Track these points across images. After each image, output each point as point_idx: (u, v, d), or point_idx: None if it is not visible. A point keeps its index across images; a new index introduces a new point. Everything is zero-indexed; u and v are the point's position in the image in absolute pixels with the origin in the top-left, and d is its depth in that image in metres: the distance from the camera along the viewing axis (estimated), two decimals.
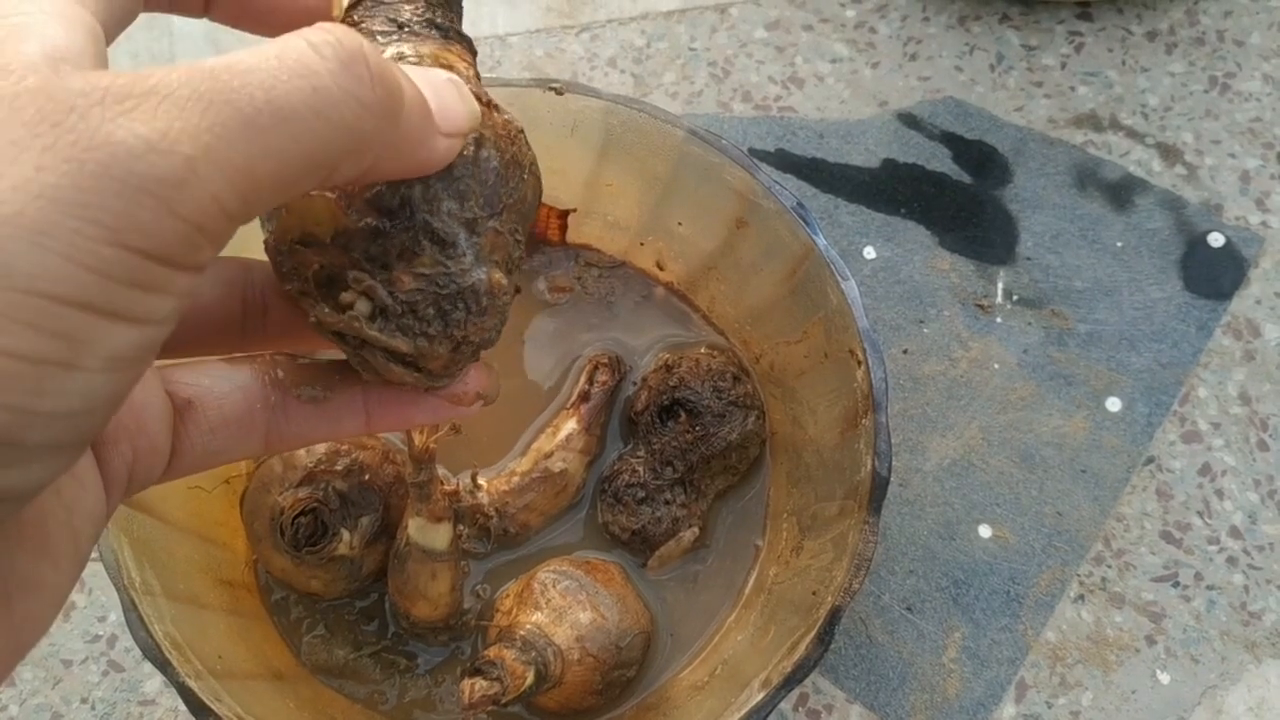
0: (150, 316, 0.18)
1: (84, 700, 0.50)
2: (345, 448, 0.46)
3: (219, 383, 0.25)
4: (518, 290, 0.27)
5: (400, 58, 0.25)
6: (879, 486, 0.42)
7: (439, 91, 0.23)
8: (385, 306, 0.24)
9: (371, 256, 0.24)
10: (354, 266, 0.24)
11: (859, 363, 0.44)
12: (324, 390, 0.26)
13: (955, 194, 0.60)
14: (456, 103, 0.23)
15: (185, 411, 0.24)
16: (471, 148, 0.24)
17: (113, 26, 0.22)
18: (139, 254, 0.18)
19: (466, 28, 0.28)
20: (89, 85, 0.18)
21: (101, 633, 0.51)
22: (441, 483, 0.45)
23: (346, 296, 0.24)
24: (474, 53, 0.28)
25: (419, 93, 0.22)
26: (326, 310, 0.24)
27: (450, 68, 0.25)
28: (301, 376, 0.26)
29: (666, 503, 0.48)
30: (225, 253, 0.28)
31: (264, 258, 0.26)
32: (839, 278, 0.45)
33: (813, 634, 0.40)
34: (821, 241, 0.46)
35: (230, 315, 0.27)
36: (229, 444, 0.25)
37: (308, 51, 0.19)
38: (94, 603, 0.52)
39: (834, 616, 0.40)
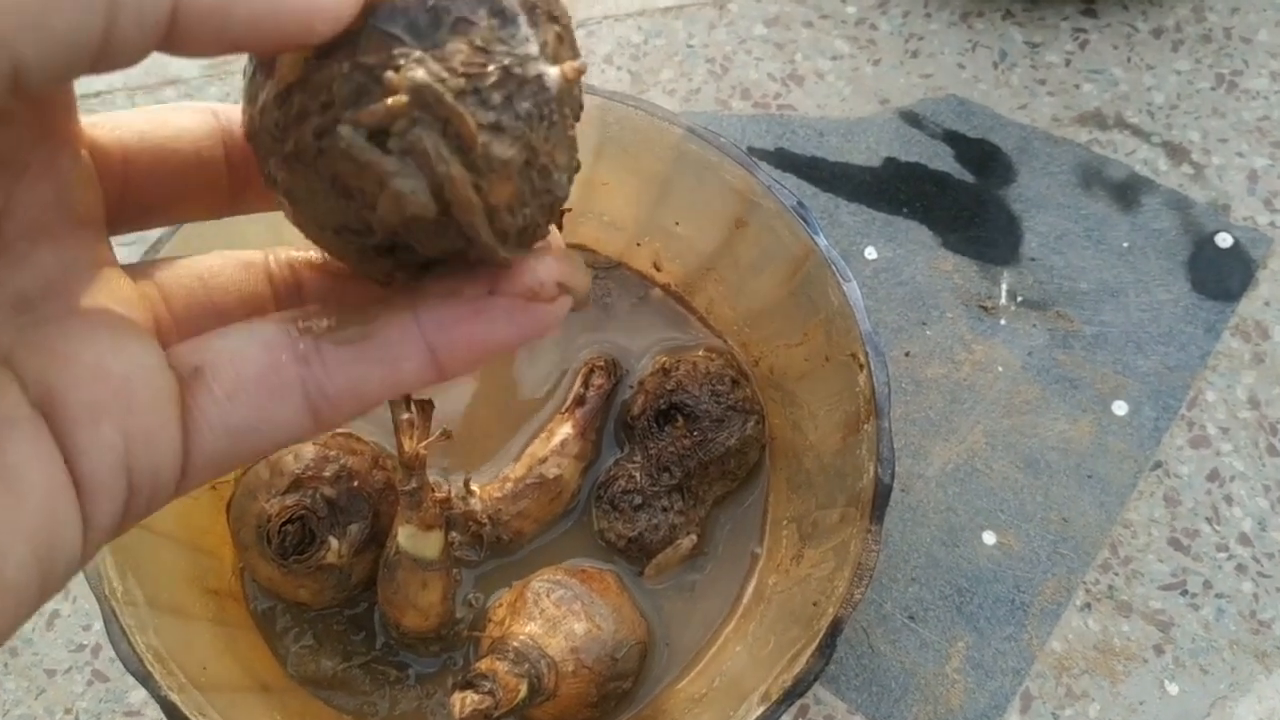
0: None
1: (68, 711, 0.49)
2: (333, 453, 0.45)
3: (231, 342, 0.20)
4: (578, 166, 0.22)
5: None
6: (882, 494, 0.41)
7: None
8: (440, 80, 0.19)
9: (420, 30, 0.20)
10: (396, 48, 0.19)
11: (861, 366, 0.43)
12: (366, 324, 0.21)
13: (958, 193, 0.59)
14: None
15: (194, 380, 0.20)
16: None
17: None
18: None
19: None
20: None
21: (86, 642, 0.50)
22: (433, 490, 0.44)
23: (400, 71, 0.19)
24: None
25: None
26: (361, 111, 0.19)
27: None
28: (335, 315, 0.21)
29: (664, 509, 0.47)
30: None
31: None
32: (840, 279, 0.44)
33: (814, 646, 0.39)
34: (822, 242, 0.45)
35: (257, 298, 0.24)
36: (257, 414, 0.20)
37: None
38: (78, 611, 0.51)
39: (836, 628, 0.39)
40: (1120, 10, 0.62)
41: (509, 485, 0.48)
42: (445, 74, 0.20)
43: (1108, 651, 0.50)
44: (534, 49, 0.21)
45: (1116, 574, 0.51)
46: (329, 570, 0.44)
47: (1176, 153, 0.59)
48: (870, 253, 0.58)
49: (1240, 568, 0.51)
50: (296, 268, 0.24)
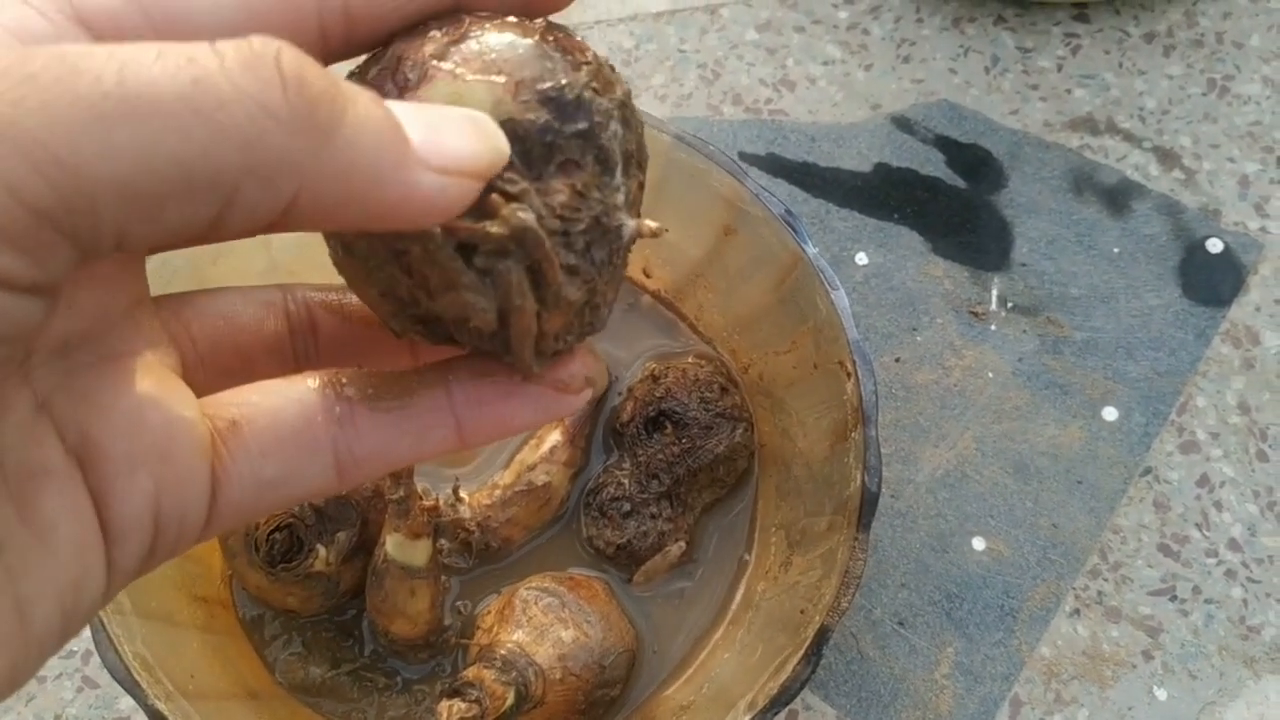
0: None
1: (57, 717, 0.49)
2: None
3: (271, 397, 0.21)
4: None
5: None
6: (869, 502, 0.41)
7: (438, 119, 0.19)
8: (539, 218, 0.20)
9: (530, 160, 0.20)
10: (507, 171, 0.20)
11: (848, 375, 0.43)
12: (401, 395, 0.21)
13: (949, 199, 0.59)
14: (461, 135, 0.19)
15: (229, 434, 0.20)
16: (617, 92, 0.21)
17: None
18: None
19: None
20: None
21: (75, 648, 0.50)
22: (420, 498, 0.44)
23: (508, 206, 0.20)
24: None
25: (383, 116, 0.18)
26: (459, 223, 0.20)
27: None
28: (373, 383, 0.21)
29: (652, 516, 0.47)
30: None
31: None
32: (828, 287, 0.44)
33: (800, 654, 0.39)
34: (810, 250, 0.45)
35: (276, 337, 0.24)
36: (287, 469, 0.20)
37: (200, 45, 0.16)
38: None
39: (822, 636, 0.39)
40: (1112, 15, 0.62)
41: (498, 492, 0.48)
42: (544, 213, 0.20)
43: (1097, 657, 0.50)
44: (621, 199, 0.22)
45: (1106, 580, 0.51)
46: (317, 578, 0.44)
47: (1168, 158, 0.59)
48: (861, 258, 0.58)
49: (1229, 573, 0.51)
50: (312, 308, 0.25)
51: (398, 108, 0.18)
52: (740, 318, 0.50)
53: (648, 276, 0.53)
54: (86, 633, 0.50)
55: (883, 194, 0.59)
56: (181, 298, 0.24)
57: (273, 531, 0.44)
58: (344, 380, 0.21)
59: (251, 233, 0.18)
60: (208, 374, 0.23)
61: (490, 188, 0.20)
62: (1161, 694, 0.49)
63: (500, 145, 0.20)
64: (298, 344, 0.24)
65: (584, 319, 0.22)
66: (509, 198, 0.20)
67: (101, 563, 0.19)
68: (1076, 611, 0.51)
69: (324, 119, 0.17)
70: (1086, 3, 0.62)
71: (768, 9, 0.64)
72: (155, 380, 0.20)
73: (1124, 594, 0.51)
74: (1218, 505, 0.52)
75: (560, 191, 0.21)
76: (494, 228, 0.20)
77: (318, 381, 0.21)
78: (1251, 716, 0.49)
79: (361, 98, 0.18)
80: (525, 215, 0.20)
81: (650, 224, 0.22)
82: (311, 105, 0.16)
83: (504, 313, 0.21)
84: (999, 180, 0.59)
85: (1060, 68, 0.61)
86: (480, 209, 0.20)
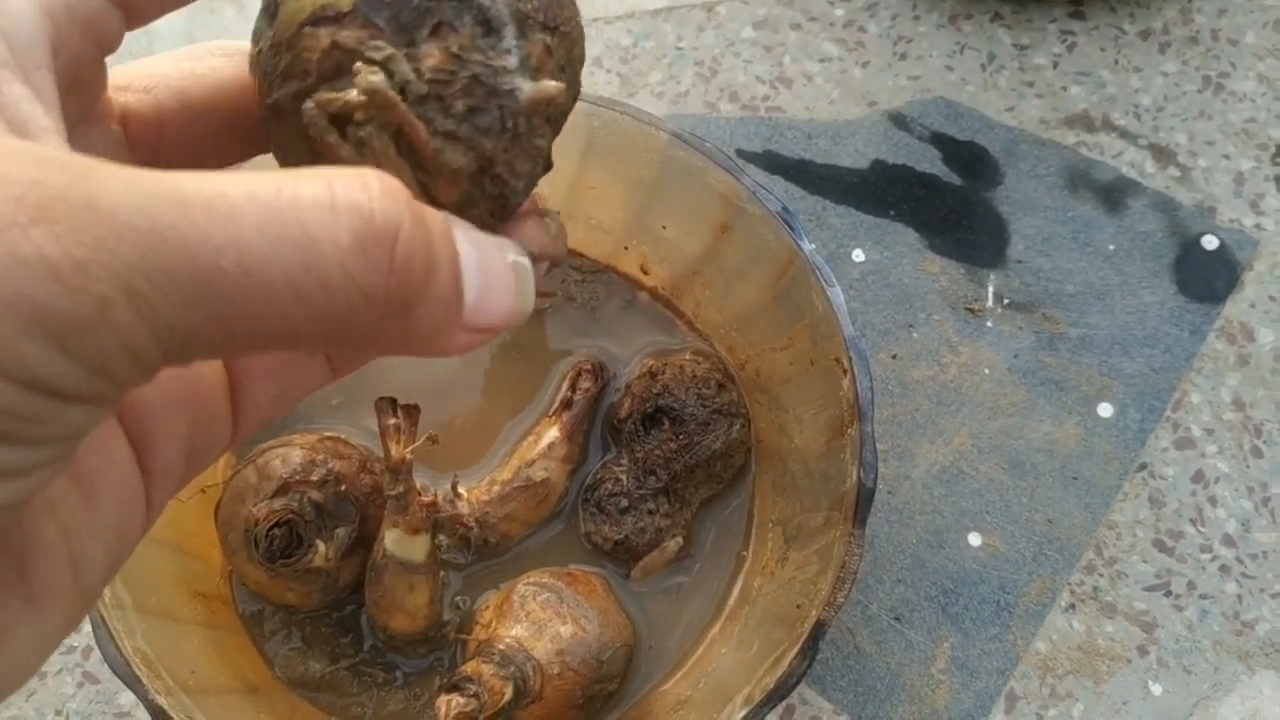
0: (40, 439, 0.15)
1: (58, 712, 0.49)
2: (321, 457, 0.46)
3: None
4: (549, 166, 0.23)
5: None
6: (864, 498, 0.41)
7: (490, 279, 0.19)
8: (406, 83, 0.20)
9: (401, 25, 0.20)
10: (374, 39, 0.20)
11: (844, 371, 0.43)
12: None
13: (945, 196, 0.59)
14: (505, 298, 0.19)
15: (240, 367, 0.22)
16: None
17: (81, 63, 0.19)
18: (20, 385, 0.14)
19: None
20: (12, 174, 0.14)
21: (76, 643, 0.51)
22: (419, 494, 0.44)
23: (361, 71, 0.20)
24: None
25: (454, 279, 0.18)
26: (327, 94, 0.20)
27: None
28: None
29: (650, 512, 0.48)
30: None
31: None
32: (824, 284, 0.44)
33: (796, 649, 0.40)
34: (807, 246, 0.45)
35: (247, 114, 0.24)
36: (292, 379, 0.22)
37: (322, 210, 0.16)
38: None
39: (818, 631, 0.40)
40: (1108, 12, 0.63)
41: (496, 488, 0.48)
42: (412, 76, 0.20)
43: (1092, 652, 0.50)
44: (512, 61, 0.21)
45: (1101, 575, 0.52)
46: (316, 573, 0.45)
47: (1163, 155, 0.59)
48: (858, 255, 0.58)
49: (1224, 569, 0.52)
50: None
51: (466, 251, 0.18)
52: (737, 314, 0.50)
53: (645, 274, 0.53)
54: (87, 628, 0.51)
55: (879, 191, 0.59)
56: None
57: (272, 527, 0.44)
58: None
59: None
60: (169, 138, 0.23)
61: (355, 55, 0.20)
62: (1156, 689, 0.50)
63: (528, 304, 0.20)
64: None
65: (484, 190, 0.21)
66: (372, 65, 0.20)
67: (141, 505, 0.20)
68: (1072, 607, 0.51)
69: (410, 299, 0.17)
70: (1082, 0, 0.62)
71: (765, 6, 0.64)
72: None
73: (1119, 589, 0.51)
74: (1212, 501, 0.53)
75: (431, 55, 0.20)
76: (349, 95, 0.20)
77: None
78: (1245, 711, 0.49)
79: (444, 271, 0.18)
80: (374, 78, 0.20)
81: (550, 84, 0.21)
82: (405, 290, 0.17)
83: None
84: (995, 177, 0.59)
85: (1056, 65, 0.62)
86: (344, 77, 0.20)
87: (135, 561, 0.43)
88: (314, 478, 0.45)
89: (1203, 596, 0.51)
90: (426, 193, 0.21)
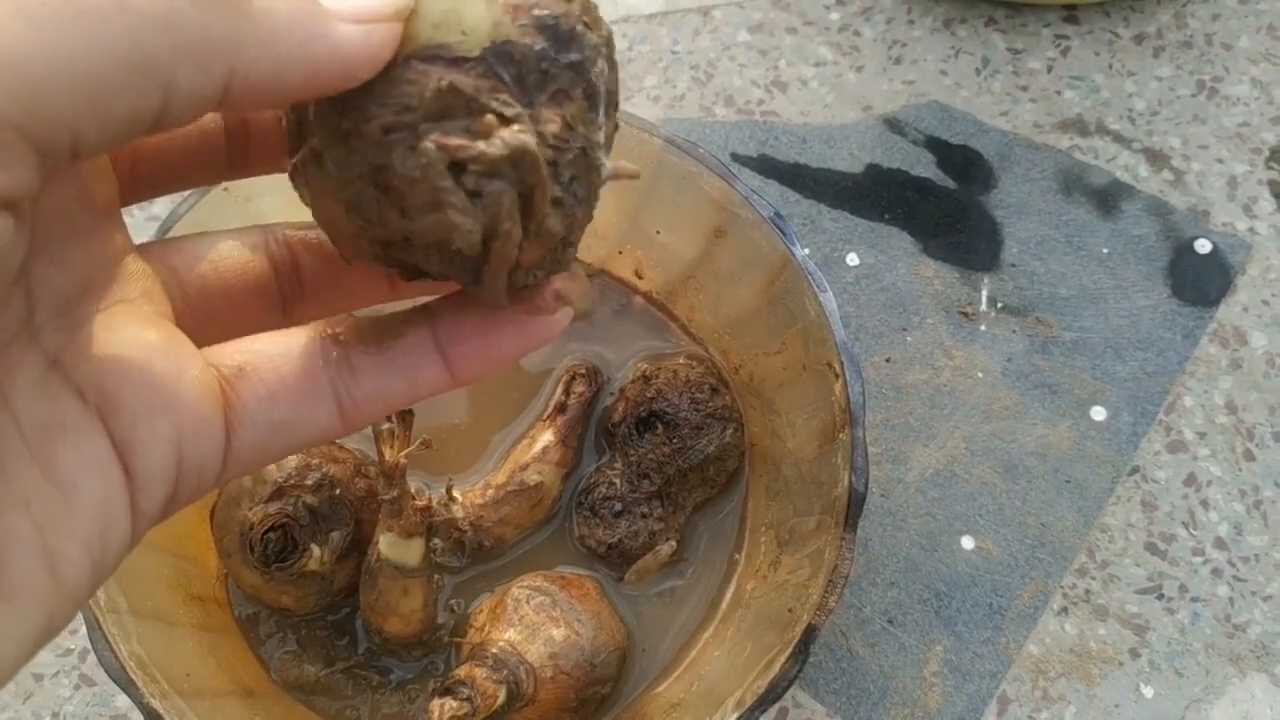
0: None
1: (55, 715, 0.50)
2: (315, 461, 0.46)
3: (270, 346, 0.22)
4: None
5: None
6: (855, 503, 0.41)
7: None
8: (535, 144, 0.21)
9: (525, 85, 0.20)
10: (498, 93, 0.20)
11: (836, 376, 0.44)
12: (389, 336, 0.23)
13: (939, 200, 0.59)
14: None
15: (236, 379, 0.21)
16: (603, 30, 0.22)
17: None
18: None
19: None
20: None
21: (73, 646, 0.51)
22: (413, 498, 0.44)
23: (497, 127, 0.20)
24: None
25: None
26: (457, 139, 0.20)
27: None
28: (362, 328, 0.23)
29: (643, 516, 0.48)
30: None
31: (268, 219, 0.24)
32: (817, 289, 0.45)
33: (788, 653, 0.40)
34: (799, 252, 0.45)
35: (261, 280, 0.25)
36: (295, 411, 0.22)
37: None
38: None
39: (809, 635, 0.40)
40: (1102, 17, 0.63)
41: (491, 492, 0.48)
42: (537, 140, 0.20)
43: (1084, 655, 0.51)
44: (601, 137, 0.22)
45: (1093, 578, 0.52)
46: (311, 577, 0.45)
47: (1157, 159, 0.60)
48: (852, 259, 0.58)
49: (1216, 572, 0.52)
50: (294, 248, 0.25)
51: None
52: (731, 319, 0.50)
53: (639, 278, 0.53)
54: (84, 629, 0.51)
55: (874, 195, 0.59)
56: (166, 244, 0.25)
57: (267, 531, 0.44)
58: (336, 329, 0.22)
59: (197, 117, 0.19)
60: (196, 319, 0.24)
61: (484, 108, 0.20)
62: (1148, 691, 0.50)
63: None
64: (283, 285, 0.25)
65: (556, 254, 0.22)
66: (504, 120, 0.20)
67: (126, 511, 0.20)
68: (1064, 610, 0.51)
69: None
70: (1076, 4, 0.62)
71: (760, 10, 0.64)
72: (158, 330, 0.21)
73: (1111, 592, 0.52)
74: (1205, 504, 0.53)
75: (552, 121, 0.21)
76: (491, 148, 0.20)
77: (312, 332, 0.22)
78: (1237, 714, 0.49)
79: None
80: (526, 137, 0.20)
81: (628, 165, 0.22)
82: None
83: (488, 237, 0.21)
84: (989, 181, 0.59)
85: (1050, 69, 0.62)
86: (473, 129, 0.20)
87: (130, 565, 0.43)
88: (309, 481, 0.45)
89: (1195, 599, 0.51)
90: (518, 253, 0.22)
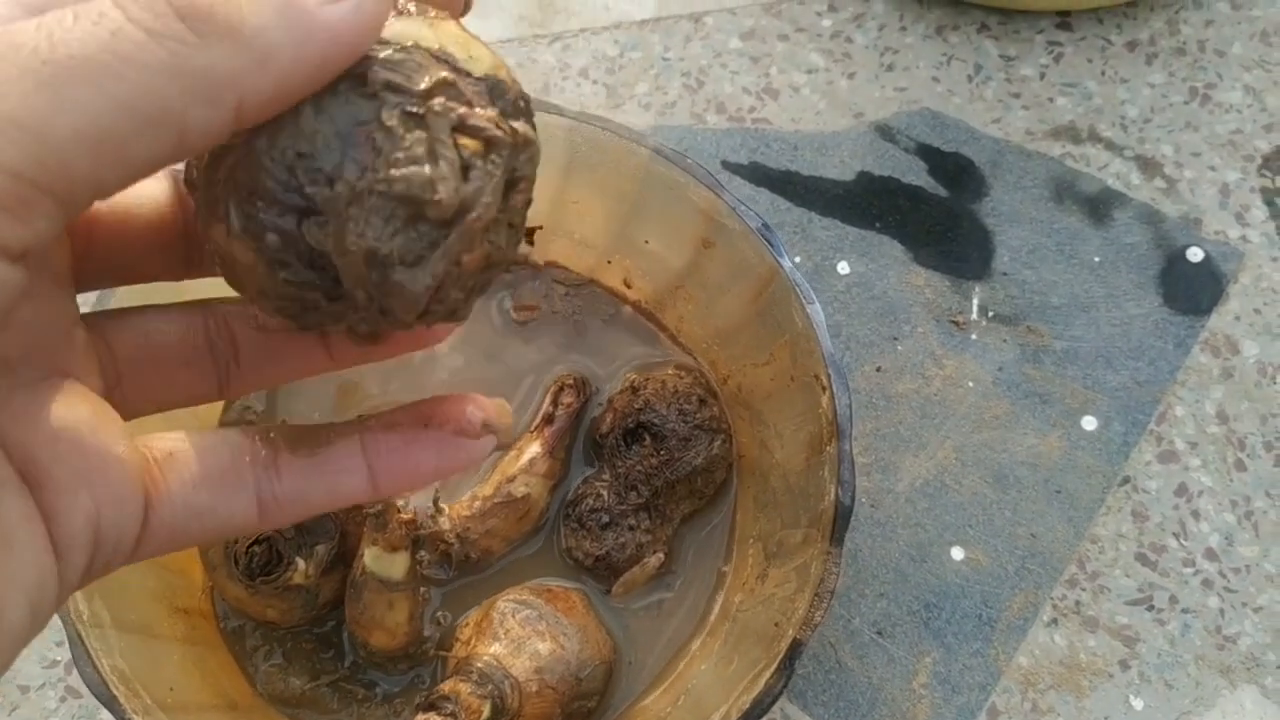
0: None
1: None
2: None
3: (203, 438, 0.23)
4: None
5: None
6: (842, 517, 0.41)
7: None
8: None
9: (509, 118, 0.22)
10: (489, 107, 0.22)
11: (823, 388, 0.43)
12: (318, 442, 0.24)
13: (931, 207, 0.59)
14: None
15: (164, 463, 0.22)
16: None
17: None
18: None
19: None
20: None
21: (59, 658, 0.51)
22: (399, 511, 0.44)
23: (494, 116, 0.22)
24: None
25: None
26: (464, 108, 0.21)
27: None
28: (295, 433, 0.24)
29: (631, 528, 0.48)
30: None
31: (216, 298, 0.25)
32: (804, 301, 0.44)
33: (773, 668, 0.40)
34: (786, 263, 0.45)
35: (196, 353, 0.26)
36: (215, 500, 0.22)
37: (104, 3, 0.18)
38: (52, 627, 0.51)
39: (794, 651, 0.40)
40: (1095, 24, 0.62)
41: (477, 504, 0.48)
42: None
43: (1074, 667, 0.50)
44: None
45: (1083, 589, 0.52)
46: (296, 590, 0.45)
47: (1149, 166, 0.59)
48: (843, 267, 0.58)
49: (1206, 583, 0.52)
50: (231, 322, 0.26)
51: None
52: (719, 330, 0.50)
53: (628, 288, 0.53)
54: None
55: (865, 203, 0.59)
56: (104, 316, 0.25)
57: (252, 544, 0.44)
58: (270, 432, 0.23)
59: (215, 144, 0.20)
60: (127, 391, 0.24)
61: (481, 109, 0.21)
62: (1138, 704, 0.50)
63: None
64: (219, 359, 0.26)
65: (472, 286, 0.22)
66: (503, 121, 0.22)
67: (54, 575, 0.20)
68: (1054, 621, 0.51)
69: (225, 23, 0.18)
70: (1069, 11, 0.62)
71: (752, 17, 0.64)
72: (91, 406, 0.21)
73: (1101, 604, 0.51)
74: (1195, 515, 0.53)
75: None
76: (500, 130, 0.21)
77: (243, 430, 0.23)
78: None
79: None
80: (532, 133, 0.22)
81: (534, 255, 0.25)
82: (209, 17, 0.18)
83: (465, 208, 0.21)
84: (980, 189, 0.59)
85: (1043, 76, 0.61)
86: (476, 113, 0.21)
87: (115, 578, 0.43)
88: None
89: (1185, 611, 0.51)
90: (456, 261, 0.22)
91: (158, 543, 0.22)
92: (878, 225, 0.59)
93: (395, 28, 0.21)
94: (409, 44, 0.21)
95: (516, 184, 0.22)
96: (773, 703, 0.39)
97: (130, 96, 0.17)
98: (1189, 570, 0.52)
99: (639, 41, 0.64)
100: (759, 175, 0.60)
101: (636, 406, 0.49)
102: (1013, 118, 0.61)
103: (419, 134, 0.20)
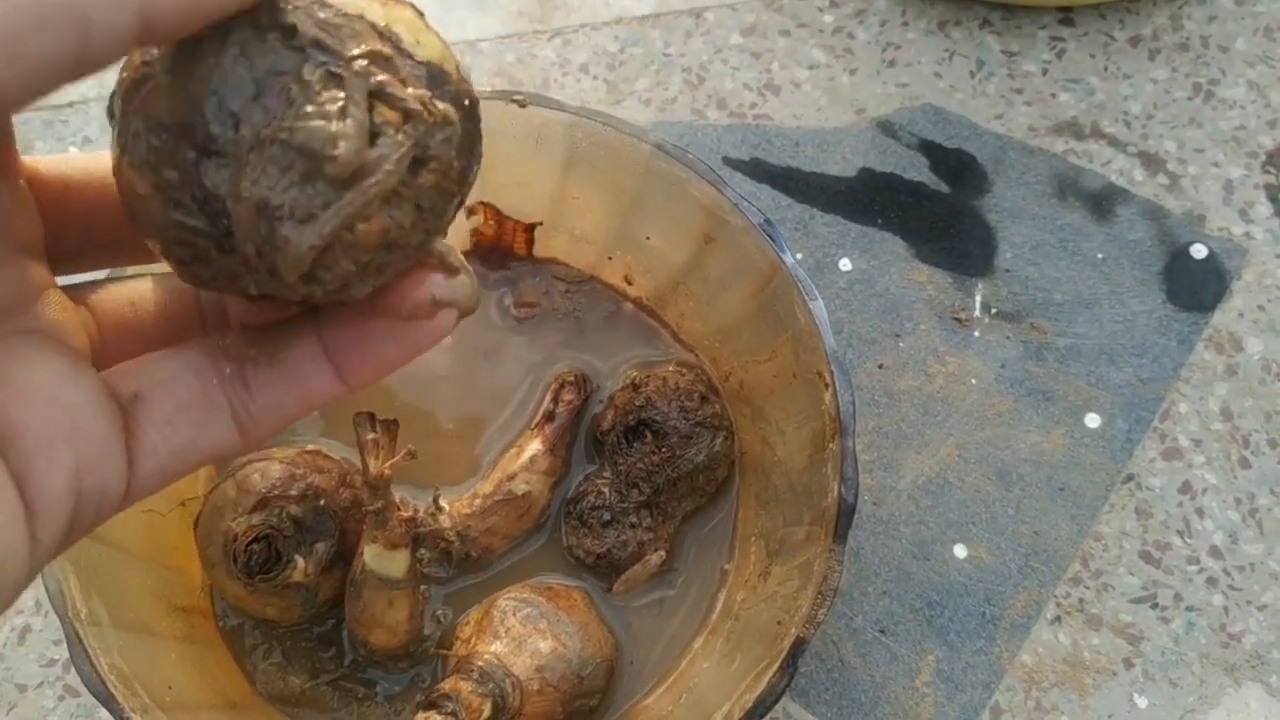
0: None
1: None
2: (300, 471, 0.45)
3: (164, 369, 0.22)
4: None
5: None
6: (845, 514, 0.41)
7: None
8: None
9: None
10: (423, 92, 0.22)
11: (826, 385, 0.43)
12: (278, 348, 0.23)
13: (933, 204, 0.59)
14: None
15: (134, 406, 0.21)
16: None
17: None
18: None
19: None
20: None
21: (57, 656, 0.50)
22: (398, 509, 0.44)
23: (421, 94, 0.22)
24: None
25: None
26: (385, 76, 0.21)
27: None
28: (252, 341, 0.23)
29: (632, 526, 0.47)
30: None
31: None
32: (807, 297, 0.44)
33: (775, 666, 0.39)
34: (789, 259, 0.45)
35: (184, 323, 0.25)
36: (194, 433, 0.22)
37: None
38: (49, 626, 0.51)
39: (797, 649, 0.39)
40: (1097, 19, 0.62)
41: (478, 502, 0.48)
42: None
43: (1077, 665, 0.50)
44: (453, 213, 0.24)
45: (1087, 587, 0.51)
46: (296, 589, 0.44)
47: (1152, 163, 0.59)
48: (845, 264, 0.57)
49: (1211, 581, 0.51)
50: (225, 299, 0.25)
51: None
52: (721, 326, 0.50)
53: (629, 284, 0.52)
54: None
55: (867, 199, 0.59)
56: (90, 284, 0.25)
57: (251, 542, 0.44)
58: (226, 341, 0.23)
59: (119, 57, 0.19)
60: (111, 356, 0.24)
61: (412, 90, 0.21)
62: (1142, 702, 0.49)
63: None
64: (210, 326, 0.25)
65: (367, 263, 0.22)
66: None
67: (24, 540, 0.19)
68: (1058, 619, 0.51)
69: None
70: (1072, 7, 0.62)
71: (753, 13, 0.63)
72: (67, 359, 0.21)
73: (1105, 601, 0.51)
74: (1200, 512, 0.52)
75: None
76: (419, 103, 0.21)
77: (202, 348, 0.23)
78: None
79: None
80: (454, 113, 0.22)
81: (457, 256, 0.24)
82: None
83: (361, 172, 0.20)
84: (983, 185, 0.59)
85: (1045, 72, 0.61)
86: (400, 84, 0.21)
87: (113, 576, 0.43)
88: (293, 492, 0.45)
89: (1189, 609, 0.51)
90: (352, 229, 0.21)
91: (144, 490, 0.22)
92: (880, 222, 0.58)
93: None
94: (353, 13, 0.21)
95: (426, 162, 0.21)
96: (776, 701, 0.39)
97: None
98: (1193, 568, 0.52)
99: (639, 37, 0.63)
100: (760, 172, 0.60)
101: (638, 404, 0.48)
102: (1015, 113, 0.60)
103: (335, 93, 0.20)
